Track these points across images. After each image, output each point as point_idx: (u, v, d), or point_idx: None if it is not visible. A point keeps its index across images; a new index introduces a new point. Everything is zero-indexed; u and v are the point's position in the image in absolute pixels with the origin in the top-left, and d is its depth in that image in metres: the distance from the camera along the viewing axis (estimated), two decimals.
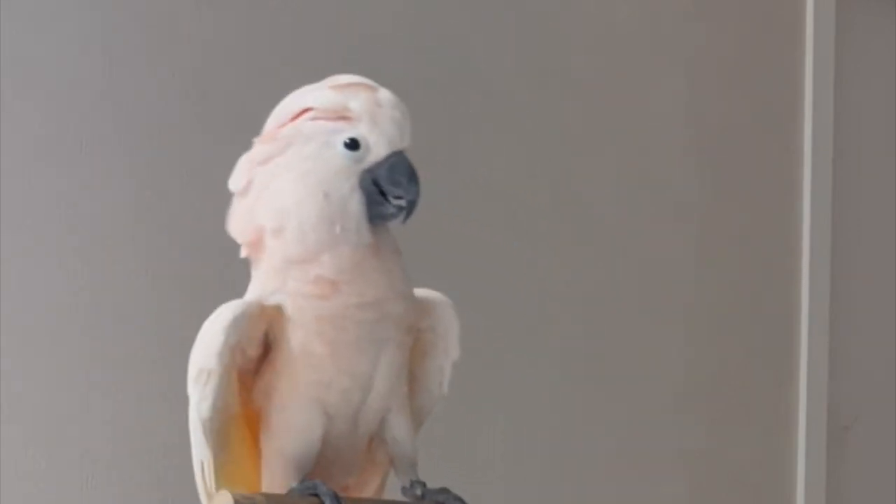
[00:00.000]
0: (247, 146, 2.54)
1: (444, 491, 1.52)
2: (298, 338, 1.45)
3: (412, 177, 1.45)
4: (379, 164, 1.43)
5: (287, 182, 1.42)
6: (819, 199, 3.12)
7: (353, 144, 1.41)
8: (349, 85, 1.43)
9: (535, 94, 2.82)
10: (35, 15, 2.36)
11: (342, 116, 1.41)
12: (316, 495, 1.44)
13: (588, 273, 2.84)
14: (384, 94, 1.44)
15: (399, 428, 1.52)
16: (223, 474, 1.49)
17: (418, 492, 1.52)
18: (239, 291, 2.48)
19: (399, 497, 1.57)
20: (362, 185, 1.43)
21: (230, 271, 2.49)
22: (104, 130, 2.40)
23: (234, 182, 1.48)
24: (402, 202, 1.45)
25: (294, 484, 1.47)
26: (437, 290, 1.70)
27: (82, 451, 2.34)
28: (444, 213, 2.70)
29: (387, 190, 1.43)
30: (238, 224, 1.48)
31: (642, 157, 2.93)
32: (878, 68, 3.29)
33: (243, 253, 1.51)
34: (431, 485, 1.56)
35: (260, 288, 1.49)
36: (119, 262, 2.40)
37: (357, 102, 1.41)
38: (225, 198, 2.50)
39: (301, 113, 1.44)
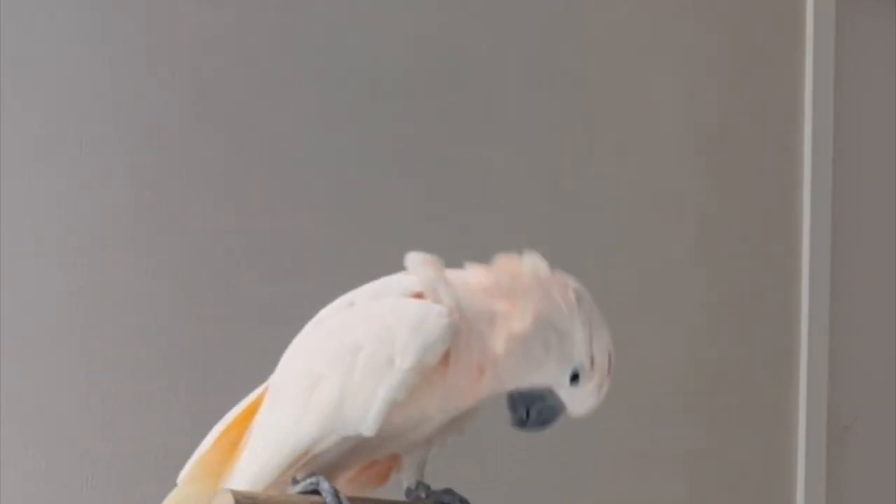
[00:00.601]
0: (246, 146, 2.55)
1: (449, 492, 1.55)
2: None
3: (547, 427, 1.54)
4: (555, 399, 1.51)
5: (536, 328, 1.48)
6: (819, 199, 3.12)
7: (574, 379, 1.50)
8: (609, 345, 1.52)
9: (535, 93, 2.82)
10: (35, 15, 2.36)
11: (592, 359, 1.50)
12: (317, 492, 1.45)
13: (588, 273, 2.83)
14: (609, 378, 1.52)
15: (419, 444, 1.56)
16: None
17: (423, 494, 1.55)
18: (238, 291, 2.49)
19: (399, 497, 1.57)
20: (538, 387, 1.51)
21: (230, 271, 2.50)
22: (104, 130, 2.40)
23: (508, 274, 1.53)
24: (522, 426, 1.54)
25: (298, 477, 1.48)
26: None
27: (82, 451, 2.34)
28: (445, 212, 2.70)
29: (532, 414, 1.52)
30: (499, 278, 1.53)
31: (642, 157, 2.93)
32: (878, 68, 3.29)
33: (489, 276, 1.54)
34: (435, 485, 1.57)
35: (478, 303, 1.50)
36: (119, 262, 2.40)
37: (601, 362, 1.50)
38: (224, 198, 2.51)
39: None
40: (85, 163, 2.38)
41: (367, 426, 1.43)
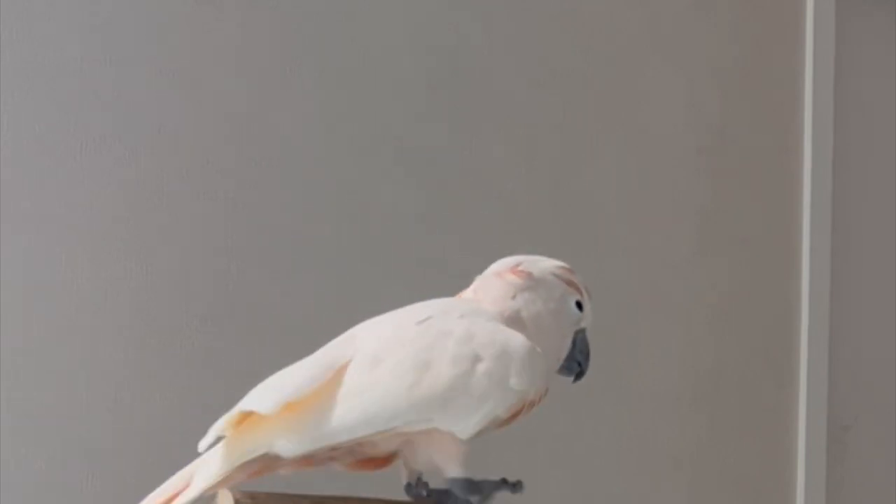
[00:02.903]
0: (246, 146, 2.55)
1: (449, 491, 1.54)
2: None
3: (590, 352, 1.75)
4: (579, 332, 1.73)
5: (544, 312, 1.69)
6: (819, 199, 3.12)
7: (580, 307, 1.72)
8: (558, 263, 1.76)
9: (536, 93, 2.82)
10: (35, 14, 2.36)
11: (571, 283, 1.72)
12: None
13: (588, 272, 2.83)
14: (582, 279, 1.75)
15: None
16: None
17: (423, 492, 1.55)
18: (238, 291, 2.49)
19: (399, 496, 1.58)
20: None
21: (229, 271, 2.50)
22: (104, 130, 2.40)
23: (498, 295, 1.69)
24: (583, 373, 1.75)
25: (411, 481, 1.61)
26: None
27: (82, 450, 2.34)
28: (445, 212, 2.70)
29: (577, 354, 1.73)
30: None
31: (642, 157, 2.93)
32: (878, 68, 3.29)
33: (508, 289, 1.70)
34: (434, 484, 1.57)
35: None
36: (118, 262, 2.40)
37: (577, 279, 1.74)
38: (224, 197, 2.51)
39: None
40: (85, 163, 2.38)
41: (463, 430, 1.56)
